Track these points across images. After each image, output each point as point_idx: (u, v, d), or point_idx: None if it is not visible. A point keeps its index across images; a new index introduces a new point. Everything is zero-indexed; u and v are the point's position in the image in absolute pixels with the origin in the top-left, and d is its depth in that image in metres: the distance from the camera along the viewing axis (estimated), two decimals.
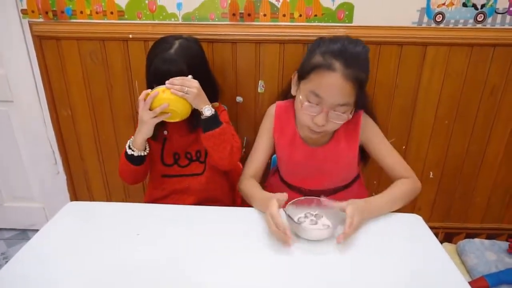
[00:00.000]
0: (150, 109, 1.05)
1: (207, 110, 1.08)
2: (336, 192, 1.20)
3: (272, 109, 1.19)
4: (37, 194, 1.83)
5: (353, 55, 0.96)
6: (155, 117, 1.06)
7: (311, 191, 1.18)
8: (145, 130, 1.08)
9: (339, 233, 0.88)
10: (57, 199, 1.78)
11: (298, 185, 1.20)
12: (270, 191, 1.29)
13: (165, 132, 1.22)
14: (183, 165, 1.25)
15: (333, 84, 0.95)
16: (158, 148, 1.23)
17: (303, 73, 1.02)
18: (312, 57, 1.00)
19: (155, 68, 1.09)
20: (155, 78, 1.09)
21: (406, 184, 1.07)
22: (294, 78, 1.09)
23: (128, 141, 1.15)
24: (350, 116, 1.04)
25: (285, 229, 0.86)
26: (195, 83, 1.06)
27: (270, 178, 1.35)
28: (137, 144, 1.12)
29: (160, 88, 1.04)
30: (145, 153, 1.15)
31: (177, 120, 1.09)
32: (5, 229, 1.92)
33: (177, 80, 1.04)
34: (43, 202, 1.84)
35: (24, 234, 1.90)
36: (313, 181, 1.18)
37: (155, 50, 1.14)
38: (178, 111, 1.06)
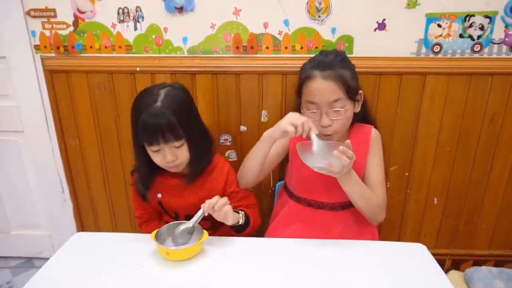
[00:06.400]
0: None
1: (241, 219, 1.10)
2: (344, 208, 1.23)
3: None
4: (44, 222, 1.84)
5: (325, 62, 1.15)
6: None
7: (321, 203, 1.23)
8: None
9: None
10: (64, 227, 1.80)
11: (308, 197, 1.24)
12: (279, 209, 1.34)
13: (159, 195, 1.18)
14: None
15: (317, 87, 1.13)
16: (156, 209, 1.24)
17: (299, 91, 1.21)
18: (300, 78, 1.21)
19: (144, 123, 1.02)
20: (144, 134, 1.04)
21: (376, 196, 1.16)
22: (297, 99, 1.25)
23: None
24: (351, 112, 1.16)
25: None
26: (224, 200, 1.03)
27: (278, 199, 1.40)
28: None
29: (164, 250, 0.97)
30: None
31: None
32: (11, 257, 1.92)
33: (209, 206, 1.01)
34: (50, 230, 1.85)
35: (30, 262, 1.90)
36: (322, 192, 1.22)
37: (139, 103, 1.07)
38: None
